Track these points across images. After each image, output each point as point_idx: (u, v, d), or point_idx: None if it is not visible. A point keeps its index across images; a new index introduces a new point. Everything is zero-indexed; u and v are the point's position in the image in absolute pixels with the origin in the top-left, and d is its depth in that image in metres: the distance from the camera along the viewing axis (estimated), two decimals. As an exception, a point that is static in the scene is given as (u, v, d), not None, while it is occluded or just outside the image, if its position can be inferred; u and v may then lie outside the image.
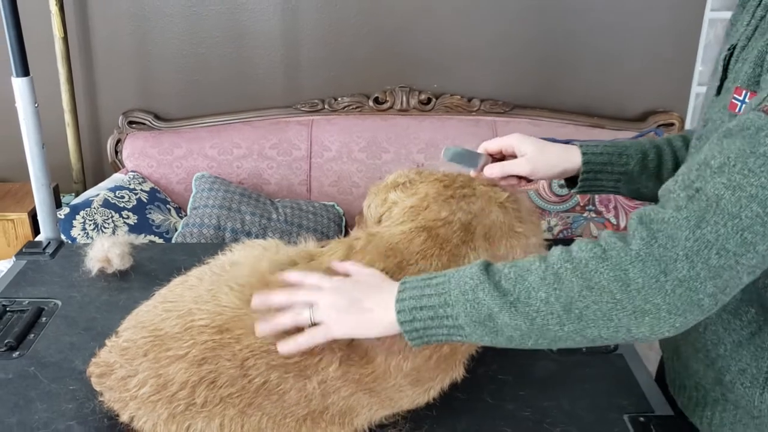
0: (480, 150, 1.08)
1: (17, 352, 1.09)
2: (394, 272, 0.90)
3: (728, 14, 2.75)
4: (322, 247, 1.00)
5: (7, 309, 1.20)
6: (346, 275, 0.86)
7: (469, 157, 1.05)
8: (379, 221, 1.08)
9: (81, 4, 2.37)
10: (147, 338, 0.87)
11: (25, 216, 2.18)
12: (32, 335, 1.14)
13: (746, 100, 0.76)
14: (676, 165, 1.05)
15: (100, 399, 0.94)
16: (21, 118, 1.35)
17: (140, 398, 0.85)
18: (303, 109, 2.49)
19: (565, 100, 2.51)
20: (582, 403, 1.02)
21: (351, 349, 0.84)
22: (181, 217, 2.26)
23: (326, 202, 2.36)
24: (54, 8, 2.22)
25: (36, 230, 2.20)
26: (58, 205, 2.33)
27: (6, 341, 1.10)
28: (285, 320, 0.82)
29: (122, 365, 0.88)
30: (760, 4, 0.82)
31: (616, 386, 1.06)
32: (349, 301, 0.81)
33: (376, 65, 2.48)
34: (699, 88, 2.86)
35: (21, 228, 2.18)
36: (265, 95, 2.51)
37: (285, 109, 2.50)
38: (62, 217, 2.00)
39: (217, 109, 2.50)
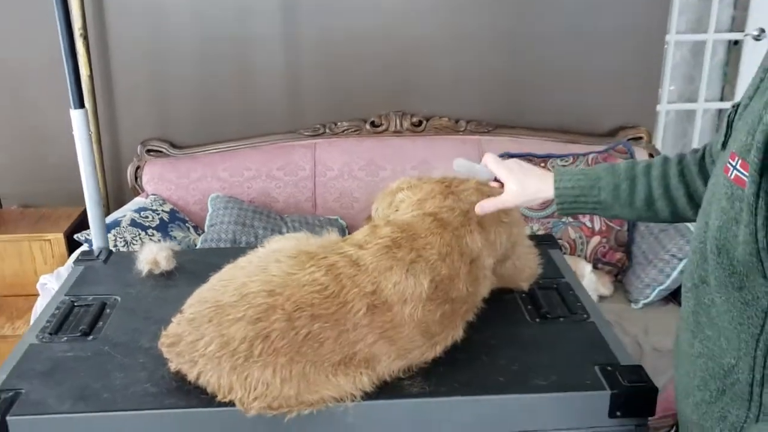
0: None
1: (91, 336, 1.30)
2: (407, 240, 1.14)
3: (693, 37, 3.05)
4: (344, 237, 1.24)
5: (75, 304, 1.42)
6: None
7: (474, 170, 1.26)
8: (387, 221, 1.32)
9: (104, 46, 2.61)
10: (210, 308, 1.10)
11: (60, 236, 2.40)
12: (101, 323, 1.35)
13: (738, 167, 0.79)
14: (650, 194, 1.13)
15: (168, 366, 1.16)
16: (78, 145, 1.58)
17: (207, 355, 1.07)
18: (306, 133, 2.72)
19: (542, 118, 2.76)
20: (560, 359, 1.23)
21: (375, 297, 1.08)
22: (200, 234, 2.48)
23: (330, 216, 2.59)
24: (82, 50, 2.46)
25: (70, 249, 2.41)
26: (87, 227, 2.55)
27: (80, 327, 1.31)
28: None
29: (190, 332, 1.10)
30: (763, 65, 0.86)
31: (589, 345, 1.27)
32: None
33: (372, 92, 2.72)
34: (668, 106, 3.13)
35: (57, 247, 2.39)
36: (272, 122, 2.73)
37: (290, 134, 2.73)
38: (95, 236, 2.21)
39: (228, 136, 2.72)
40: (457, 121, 2.73)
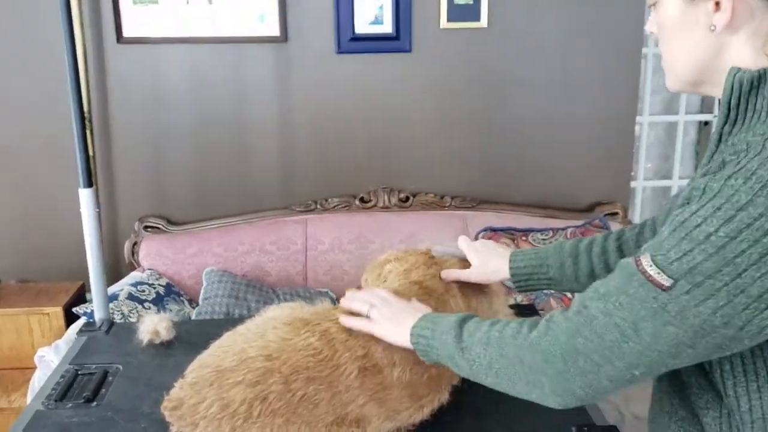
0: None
1: (94, 403, 1.36)
2: None
3: (665, 118, 3.24)
4: (336, 306, 1.33)
5: (79, 372, 1.48)
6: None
7: (449, 252, 1.40)
8: None
9: (106, 128, 2.75)
10: (211, 372, 1.17)
11: (59, 310, 2.46)
12: (104, 390, 1.41)
13: None
14: (592, 270, 1.21)
15: (170, 430, 1.22)
16: (84, 222, 1.68)
17: (208, 417, 1.14)
18: (298, 209, 2.84)
19: (523, 195, 2.91)
20: (541, 421, 1.29)
21: (366, 360, 1.16)
22: (194, 307, 2.56)
23: (321, 289, 2.68)
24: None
25: (68, 323, 2.47)
26: (84, 300, 2.62)
27: (84, 394, 1.38)
28: (356, 306, 1.18)
29: (192, 396, 1.17)
30: (705, 158, 0.89)
31: (568, 411, 1.36)
32: (393, 314, 1.14)
33: (361, 170, 2.86)
34: (645, 183, 3.30)
35: (55, 321, 2.45)
36: (265, 199, 2.86)
37: (282, 210, 2.85)
38: (92, 310, 2.28)
39: (224, 212, 2.84)
40: (442, 197, 2.87)
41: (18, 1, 2.59)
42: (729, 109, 0.84)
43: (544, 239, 2.66)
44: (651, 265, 0.78)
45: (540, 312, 2.41)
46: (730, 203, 0.74)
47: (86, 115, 2.61)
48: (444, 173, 2.88)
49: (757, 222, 0.73)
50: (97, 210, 1.68)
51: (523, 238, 2.64)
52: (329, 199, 2.85)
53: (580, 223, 2.70)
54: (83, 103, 2.54)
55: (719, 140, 0.86)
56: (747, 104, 0.83)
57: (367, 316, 1.17)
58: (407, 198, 2.86)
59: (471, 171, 2.88)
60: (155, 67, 2.72)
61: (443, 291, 1.32)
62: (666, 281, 0.76)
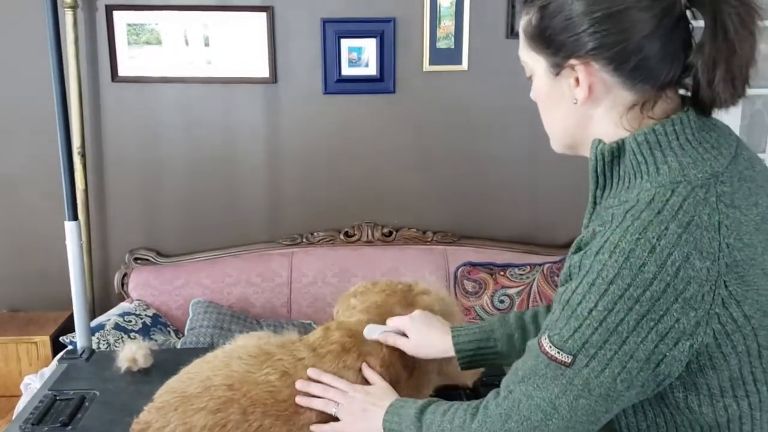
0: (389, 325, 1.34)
1: (69, 427, 1.42)
2: (356, 345, 1.29)
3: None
4: (301, 338, 1.40)
5: (57, 398, 1.54)
6: (366, 382, 1.22)
7: (382, 329, 1.36)
8: None
9: (99, 162, 2.85)
10: (177, 398, 1.24)
11: (47, 339, 2.53)
12: (79, 415, 1.46)
13: None
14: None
15: (138, 453, 1.28)
16: (69, 254, 1.75)
17: (172, 442, 1.21)
18: (284, 242, 2.92)
19: (502, 230, 2.98)
20: None
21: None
22: (180, 338, 2.62)
23: (304, 321, 2.74)
24: (79, 166, 2.69)
25: (55, 351, 2.53)
26: (72, 330, 2.69)
27: (60, 419, 1.44)
28: (317, 405, 1.18)
29: (158, 419, 1.23)
30: (585, 219, 0.96)
31: None
32: (359, 410, 1.16)
33: (345, 205, 2.94)
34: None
35: (43, 349, 2.51)
36: (252, 232, 2.94)
37: (268, 243, 2.93)
38: (79, 338, 2.35)
39: (211, 245, 2.92)
40: (424, 232, 2.94)
41: (14, 35, 2.71)
42: (597, 176, 0.91)
43: (521, 274, 2.72)
44: (550, 346, 0.84)
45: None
46: (601, 278, 0.79)
47: (80, 149, 2.70)
48: (426, 209, 2.96)
49: (627, 292, 0.78)
50: (81, 242, 1.75)
51: (501, 273, 2.71)
52: (314, 233, 2.93)
53: (557, 258, 2.76)
54: (77, 138, 2.66)
55: (594, 203, 0.93)
56: (611, 172, 0.90)
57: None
58: (390, 233, 2.93)
59: (452, 207, 2.97)
60: (149, 105, 2.83)
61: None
62: (566, 358, 0.82)
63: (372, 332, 1.31)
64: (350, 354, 1.29)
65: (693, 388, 0.84)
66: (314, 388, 1.22)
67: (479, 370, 1.58)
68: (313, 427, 1.20)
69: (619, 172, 0.89)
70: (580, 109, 0.91)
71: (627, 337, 0.79)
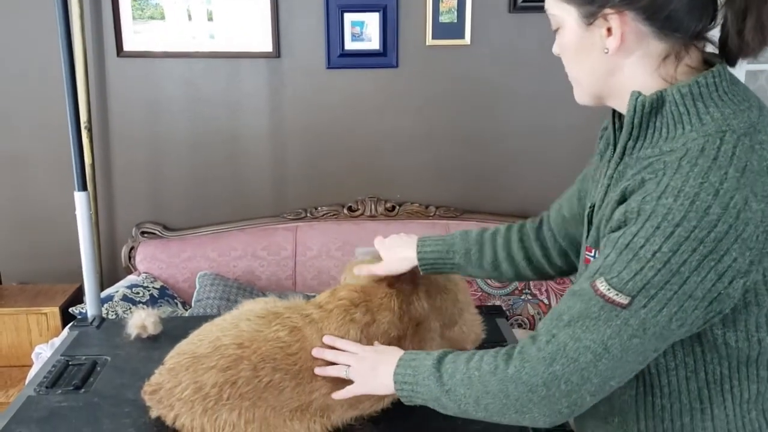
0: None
1: (83, 390, 1.46)
2: (364, 300, 1.33)
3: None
4: (308, 299, 1.44)
5: (69, 363, 1.59)
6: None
7: (370, 252, 1.48)
8: None
9: (105, 137, 2.88)
10: (187, 359, 1.27)
11: (56, 310, 2.58)
12: (92, 379, 1.51)
13: (594, 256, 0.97)
14: (495, 258, 1.32)
15: (150, 414, 1.32)
16: (79, 224, 1.79)
17: (183, 399, 1.24)
18: (289, 217, 2.95)
19: (505, 205, 3.01)
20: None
21: None
22: (187, 309, 2.66)
23: (309, 293, 2.78)
24: (86, 140, 2.72)
25: (65, 322, 2.58)
26: (81, 302, 2.74)
27: (74, 382, 1.48)
28: (332, 372, 1.23)
29: (169, 380, 1.27)
30: (609, 167, 0.99)
31: None
32: (369, 369, 1.18)
33: (349, 180, 2.97)
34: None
35: (53, 320, 2.56)
36: (257, 207, 2.97)
37: (274, 217, 2.96)
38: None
39: (217, 219, 2.95)
40: (427, 207, 2.97)
41: (21, 12, 2.73)
42: (632, 128, 0.94)
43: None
44: (608, 288, 0.86)
45: (518, 317, 2.51)
46: (666, 221, 0.83)
47: (86, 124, 2.73)
48: (429, 184, 2.99)
49: (692, 234, 0.82)
50: (90, 212, 1.79)
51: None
52: (318, 208, 2.96)
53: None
54: (83, 112, 2.68)
55: (623, 154, 0.97)
56: (648, 123, 0.93)
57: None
58: (393, 207, 2.96)
59: (455, 181, 2.99)
60: (154, 80, 2.85)
61: (409, 292, 1.41)
62: (624, 300, 0.85)
63: (361, 253, 1.44)
64: (358, 308, 1.33)
65: (732, 325, 0.89)
66: (327, 354, 1.25)
67: (481, 336, 1.62)
68: (333, 395, 1.24)
69: (655, 123, 0.92)
70: (611, 58, 0.94)
71: (688, 277, 0.83)
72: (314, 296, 1.40)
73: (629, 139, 0.95)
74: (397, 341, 1.35)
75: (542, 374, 0.91)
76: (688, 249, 0.82)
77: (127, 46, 2.79)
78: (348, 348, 1.26)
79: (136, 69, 2.82)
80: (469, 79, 2.89)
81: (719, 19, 0.90)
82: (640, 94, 0.93)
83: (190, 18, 2.78)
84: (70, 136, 1.75)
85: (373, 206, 2.94)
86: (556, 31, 1.00)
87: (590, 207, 1.04)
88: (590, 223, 1.04)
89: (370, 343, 1.31)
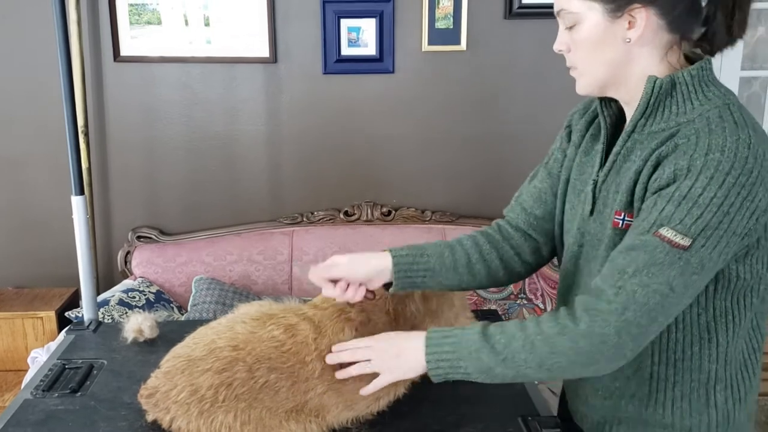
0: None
1: (79, 393, 1.46)
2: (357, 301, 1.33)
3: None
4: (305, 302, 1.45)
5: (66, 366, 1.59)
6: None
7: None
8: None
9: (102, 142, 2.89)
10: (183, 362, 1.28)
11: (52, 314, 2.58)
12: (88, 382, 1.51)
13: (626, 218, 1.10)
14: (468, 260, 1.33)
15: (146, 417, 1.33)
16: (76, 228, 1.79)
17: (179, 402, 1.24)
18: (285, 221, 2.96)
19: (501, 209, 3.00)
20: (490, 412, 1.39)
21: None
22: (183, 314, 2.67)
23: (305, 297, 2.78)
24: (82, 145, 2.73)
25: (60, 327, 2.58)
26: (77, 306, 2.74)
27: (70, 386, 1.48)
28: (355, 371, 1.22)
29: (165, 383, 1.28)
30: (609, 151, 1.15)
31: (515, 400, 1.44)
32: (393, 357, 1.19)
33: (346, 184, 2.98)
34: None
35: (48, 324, 2.56)
36: (253, 211, 2.98)
37: (270, 222, 2.97)
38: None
39: (213, 223, 2.96)
40: (423, 212, 2.98)
41: (19, 17, 2.74)
42: (647, 107, 1.09)
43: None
44: (674, 234, 1.00)
45: (503, 318, 2.51)
46: (718, 172, 0.99)
47: (83, 129, 2.74)
48: (425, 188, 3.00)
49: (739, 179, 0.98)
50: (87, 216, 1.79)
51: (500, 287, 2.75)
52: (315, 212, 2.97)
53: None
54: (80, 117, 2.69)
55: (633, 130, 1.11)
56: (659, 103, 1.08)
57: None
58: (389, 212, 2.97)
59: (451, 186, 3.00)
60: (150, 85, 2.86)
61: (404, 294, 1.42)
62: (687, 242, 0.99)
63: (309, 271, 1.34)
64: (354, 308, 1.34)
65: (743, 260, 1.07)
66: (344, 356, 1.25)
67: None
68: (362, 391, 1.24)
69: (665, 100, 1.08)
70: (629, 48, 1.09)
71: (734, 217, 0.99)
72: (310, 300, 1.42)
73: (641, 117, 1.10)
74: None
75: (614, 323, 1.02)
76: (734, 193, 0.98)
77: (124, 51, 2.80)
78: (359, 345, 1.25)
79: (132, 74, 2.83)
80: (465, 84, 2.91)
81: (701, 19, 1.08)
82: (656, 77, 1.07)
83: (187, 23, 2.79)
84: (68, 141, 1.76)
85: (369, 211, 2.95)
86: (570, 28, 1.11)
87: (593, 182, 1.18)
88: (595, 195, 1.17)
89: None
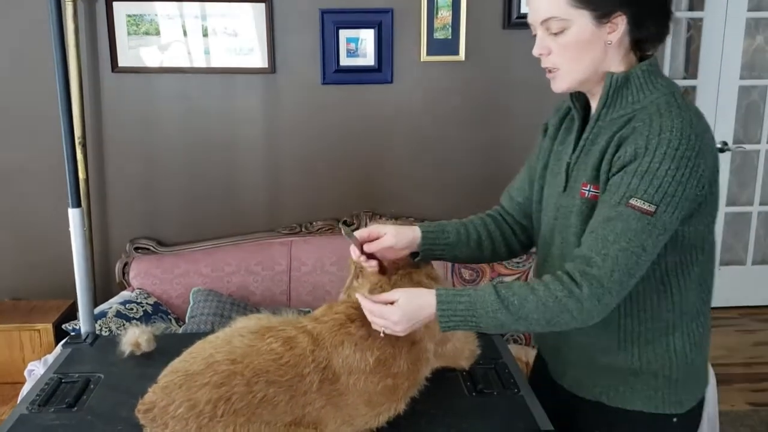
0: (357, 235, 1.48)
1: (75, 408, 1.45)
2: (360, 317, 1.34)
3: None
4: (303, 314, 1.44)
5: (62, 381, 1.58)
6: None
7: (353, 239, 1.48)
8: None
9: (100, 152, 2.88)
10: (180, 376, 1.27)
11: (49, 326, 2.56)
12: (85, 397, 1.50)
13: (591, 189, 1.31)
14: (479, 237, 1.55)
15: (143, 433, 1.32)
16: (73, 241, 1.78)
17: (177, 417, 1.23)
18: (283, 232, 2.95)
19: (500, 219, 3.01)
20: (491, 426, 1.39)
21: (327, 371, 1.26)
22: (181, 325, 2.65)
23: (303, 308, 2.77)
24: (80, 156, 2.72)
25: (58, 339, 2.56)
26: (74, 318, 2.72)
27: (66, 400, 1.47)
28: (379, 325, 1.31)
29: (163, 398, 1.27)
30: (585, 131, 1.36)
31: (516, 414, 1.43)
32: (408, 319, 1.29)
33: (344, 195, 2.97)
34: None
35: (45, 336, 2.54)
36: (252, 221, 2.97)
37: (268, 232, 2.96)
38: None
39: (212, 234, 2.95)
40: (422, 221, 2.96)
41: (16, 27, 2.74)
42: (607, 98, 1.30)
43: (518, 262, 2.76)
44: (643, 203, 1.20)
45: (514, 334, 2.50)
46: (670, 148, 1.20)
47: (80, 139, 2.73)
48: (423, 198, 3.00)
49: (686, 153, 1.19)
50: (84, 228, 1.78)
51: (499, 261, 2.74)
52: (313, 222, 2.96)
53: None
54: (78, 127, 2.68)
55: (598, 118, 1.33)
56: (617, 94, 1.30)
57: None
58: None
59: (450, 195, 3.00)
60: (148, 95, 2.85)
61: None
62: (652, 208, 1.20)
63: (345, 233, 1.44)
64: (354, 323, 1.34)
65: (688, 222, 1.27)
66: (366, 310, 1.33)
67: (475, 351, 1.62)
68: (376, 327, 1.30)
69: (621, 92, 1.30)
70: (608, 48, 1.29)
71: (686, 184, 1.20)
72: (309, 311, 1.41)
73: (603, 107, 1.31)
74: (392, 358, 1.35)
75: (607, 284, 1.21)
76: (683, 165, 1.19)
77: (122, 62, 2.79)
78: (376, 311, 1.31)
79: (130, 84, 2.83)
80: (464, 94, 2.91)
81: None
82: (613, 73, 1.30)
83: (185, 34, 2.79)
84: (64, 152, 1.75)
85: (367, 220, 2.94)
86: (557, 33, 1.29)
87: (566, 164, 1.39)
88: (568, 174, 1.38)
89: (365, 358, 1.31)
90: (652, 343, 1.37)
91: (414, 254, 1.51)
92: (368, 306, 1.31)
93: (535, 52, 1.33)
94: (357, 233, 1.46)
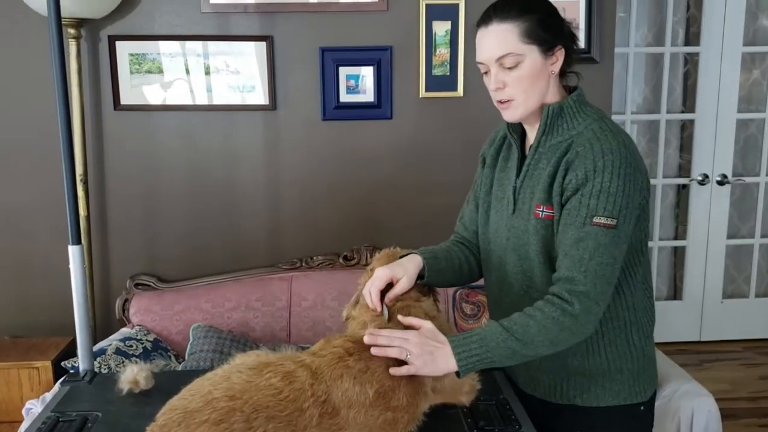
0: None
1: (72, 448, 1.45)
2: (359, 350, 1.35)
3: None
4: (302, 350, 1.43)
5: (60, 419, 1.56)
6: (414, 327, 1.41)
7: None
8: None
9: (101, 189, 2.90)
10: (179, 414, 1.25)
11: (48, 364, 2.54)
12: (82, 436, 1.50)
13: (545, 210, 1.45)
14: (459, 262, 1.68)
15: (141, 472, 1.30)
16: (72, 278, 1.78)
17: (176, 456, 1.22)
18: (284, 267, 2.95)
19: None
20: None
21: (326, 405, 1.25)
22: (180, 362, 2.63)
23: (303, 345, 2.75)
24: (81, 193, 2.73)
25: (56, 377, 2.54)
26: (74, 355, 2.70)
27: (63, 441, 1.47)
28: (392, 353, 1.36)
29: (162, 438, 1.26)
30: (522, 163, 1.53)
31: None
32: (428, 354, 1.36)
33: (344, 229, 2.98)
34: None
35: (44, 374, 2.53)
36: (252, 257, 2.97)
37: (269, 267, 2.95)
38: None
39: (212, 270, 2.94)
40: (421, 255, 2.97)
41: (19, 65, 2.78)
42: (546, 127, 1.46)
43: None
44: (606, 219, 1.36)
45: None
46: (615, 167, 1.36)
47: (82, 176, 2.75)
48: (423, 233, 2.98)
49: (627, 170, 1.37)
50: (84, 266, 1.78)
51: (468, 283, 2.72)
52: (314, 257, 2.96)
53: (554, 280, 2.79)
54: (79, 165, 2.70)
55: (538, 145, 1.49)
56: (554, 123, 1.46)
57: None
58: (389, 256, 2.96)
59: (449, 231, 2.98)
60: (150, 133, 2.88)
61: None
62: (613, 222, 1.36)
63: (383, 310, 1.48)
64: (352, 356, 1.33)
65: (634, 228, 1.42)
66: (382, 339, 1.38)
67: (475, 387, 1.61)
68: (392, 370, 1.34)
69: (557, 121, 1.46)
70: (551, 79, 1.46)
71: (632, 197, 1.38)
72: (308, 347, 1.41)
73: (542, 135, 1.48)
74: (392, 391, 1.35)
75: (593, 296, 1.35)
76: (628, 180, 1.37)
77: (125, 100, 2.83)
78: (396, 335, 1.38)
79: (132, 122, 2.86)
80: (463, 129, 2.93)
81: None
82: (549, 105, 1.46)
83: (188, 72, 2.83)
84: (65, 190, 1.76)
85: (368, 255, 2.94)
86: (511, 68, 1.41)
87: (513, 188, 1.53)
88: (515, 197, 1.53)
89: (364, 390, 1.31)
90: (615, 342, 1.52)
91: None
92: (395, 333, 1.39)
93: (492, 86, 1.45)
94: (374, 284, 1.52)
